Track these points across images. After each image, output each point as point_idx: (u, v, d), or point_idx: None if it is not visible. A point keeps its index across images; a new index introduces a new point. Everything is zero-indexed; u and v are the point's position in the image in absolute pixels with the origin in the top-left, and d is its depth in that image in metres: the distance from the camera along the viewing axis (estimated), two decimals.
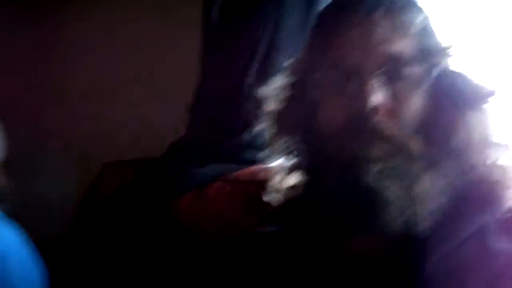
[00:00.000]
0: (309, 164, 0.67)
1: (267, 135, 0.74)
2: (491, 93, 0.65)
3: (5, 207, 1.05)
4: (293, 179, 0.69)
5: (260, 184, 0.79)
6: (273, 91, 0.73)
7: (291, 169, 0.70)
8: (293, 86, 0.71)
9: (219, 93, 1.30)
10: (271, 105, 0.72)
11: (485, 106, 0.66)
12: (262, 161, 1.20)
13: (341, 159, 0.62)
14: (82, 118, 1.85)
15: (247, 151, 1.21)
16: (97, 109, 1.79)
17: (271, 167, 0.77)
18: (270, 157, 0.75)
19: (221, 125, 1.27)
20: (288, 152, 0.71)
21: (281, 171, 0.71)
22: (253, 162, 1.21)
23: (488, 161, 0.65)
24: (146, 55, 1.77)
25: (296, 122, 0.69)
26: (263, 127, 0.75)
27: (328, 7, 0.71)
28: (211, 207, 1.10)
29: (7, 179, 1.09)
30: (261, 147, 1.21)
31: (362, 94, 0.61)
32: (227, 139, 1.24)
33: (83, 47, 1.88)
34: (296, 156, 0.70)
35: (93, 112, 1.81)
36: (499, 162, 0.65)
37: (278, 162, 0.74)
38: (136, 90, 1.77)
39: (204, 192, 1.14)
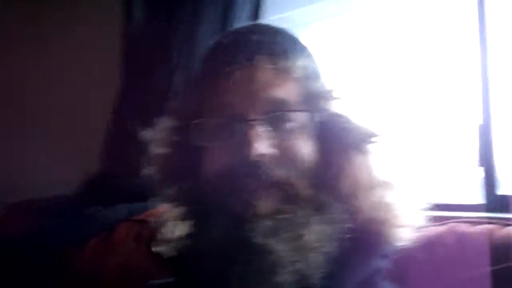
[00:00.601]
0: (196, 213, 0.65)
1: (156, 180, 0.71)
2: (374, 134, 0.66)
3: None
4: (182, 228, 0.66)
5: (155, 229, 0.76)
6: (158, 134, 0.70)
7: (180, 218, 0.67)
8: (177, 130, 0.68)
9: (123, 128, 1.26)
10: (156, 150, 0.70)
11: (369, 147, 0.66)
12: (159, 202, 1.17)
13: (228, 210, 0.60)
14: None
15: (148, 191, 1.18)
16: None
17: (165, 211, 0.74)
18: (161, 201, 0.72)
19: (128, 162, 1.23)
20: (175, 200, 0.68)
21: (169, 219, 0.68)
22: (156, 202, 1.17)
23: (375, 201, 0.65)
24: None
25: (182, 169, 0.66)
26: (149, 171, 0.71)
27: (212, 48, 0.69)
28: (117, 251, 1.04)
29: None
30: (153, 188, 1.18)
31: (246, 141, 0.60)
32: (132, 176, 1.20)
33: None
34: (184, 204, 0.67)
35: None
36: (386, 201, 0.65)
37: (169, 206, 0.71)
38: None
39: (112, 234, 1.08)
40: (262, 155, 0.60)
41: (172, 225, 0.67)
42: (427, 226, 0.68)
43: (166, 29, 1.35)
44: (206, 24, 1.33)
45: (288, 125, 0.62)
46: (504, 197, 1.03)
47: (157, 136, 0.70)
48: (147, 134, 0.70)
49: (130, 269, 0.99)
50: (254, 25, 0.67)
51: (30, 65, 1.76)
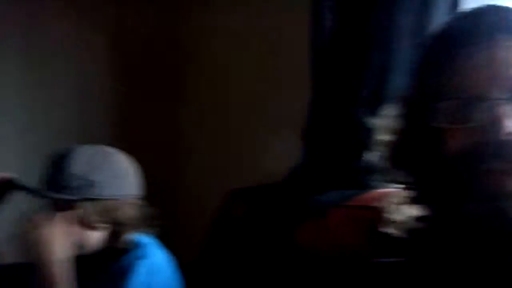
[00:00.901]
0: (433, 195, 0.66)
1: (381, 165, 0.74)
2: None
3: (153, 233, 1.17)
4: (413, 211, 0.68)
5: (379, 212, 0.80)
6: (386, 121, 0.73)
7: (409, 201, 0.69)
8: (407, 116, 0.70)
9: (332, 118, 1.32)
10: (385, 136, 0.73)
11: None
12: (382, 186, 1.19)
13: (477, 190, 0.60)
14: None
15: (366, 176, 1.22)
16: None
17: (390, 194, 0.77)
18: (387, 185, 0.76)
19: (337, 150, 1.29)
20: (405, 184, 0.70)
21: (398, 202, 0.71)
22: (374, 187, 1.20)
23: None
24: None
25: (413, 153, 0.69)
26: (377, 155, 0.75)
27: (444, 30, 0.69)
28: (334, 235, 1.11)
29: (150, 209, 1.20)
30: (378, 172, 1.21)
31: (494, 120, 0.60)
32: (344, 164, 1.26)
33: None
34: (414, 188, 0.69)
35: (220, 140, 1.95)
36: None
37: (396, 190, 0.74)
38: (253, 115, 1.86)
39: (326, 220, 1.16)
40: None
41: (401, 207, 0.70)
42: None
43: (360, 27, 1.36)
44: (404, 16, 1.31)
45: None
46: None
47: (384, 123, 0.73)
48: (374, 121, 0.74)
49: (348, 249, 1.05)
50: (487, 5, 0.66)
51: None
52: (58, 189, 1.08)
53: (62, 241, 1.04)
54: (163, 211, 1.16)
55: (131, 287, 1.04)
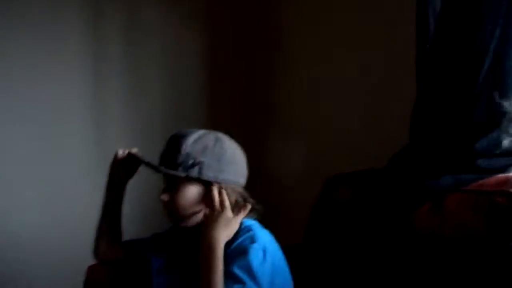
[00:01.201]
0: None
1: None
2: None
3: (256, 217, 1.18)
4: None
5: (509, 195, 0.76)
6: None
7: None
8: None
9: (445, 100, 1.27)
10: None
11: None
12: (502, 170, 1.14)
13: None
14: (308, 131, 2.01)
15: (483, 160, 1.17)
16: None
17: None
18: None
19: (450, 134, 1.24)
20: None
21: None
22: (491, 171, 1.15)
23: None
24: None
25: None
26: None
27: None
28: (453, 218, 1.08)
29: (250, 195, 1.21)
30: (499, 155, 1.15)
31: None
32: (459, 148, 1.21)
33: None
34: None
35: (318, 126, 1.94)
36: None
37: None
38: (356, 101, 1.84)
39: (443, 203, 1.12)
40: None
41: None
42: None
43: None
44: None
45: None
46: None
47: None
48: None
49: (468, 233, 1.02)
50: None
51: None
52: (170, 165, 1.12)
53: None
54: (258, 194, 1.17)
55: (254, 268, 1.04)
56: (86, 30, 1.91)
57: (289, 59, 2.12)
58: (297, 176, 2.00)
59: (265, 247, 1.09)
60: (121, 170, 1.23)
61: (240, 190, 1.16)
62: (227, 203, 1.10)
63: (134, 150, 1.23)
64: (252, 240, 1.09)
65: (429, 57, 1.36)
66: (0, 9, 1.73)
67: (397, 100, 1.59)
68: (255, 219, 1.17)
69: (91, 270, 1.26)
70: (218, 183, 1.12)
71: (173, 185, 1.13)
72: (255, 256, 1.06)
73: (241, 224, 1.13)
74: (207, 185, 1.12)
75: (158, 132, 1.82)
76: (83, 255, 1.28)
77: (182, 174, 1.10)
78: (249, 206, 1.11)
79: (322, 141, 1.94)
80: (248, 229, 1.13)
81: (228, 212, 1.09)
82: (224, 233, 1.07)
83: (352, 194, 1.33)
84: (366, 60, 1.79)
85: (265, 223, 1.20)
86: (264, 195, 1.21)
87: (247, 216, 1.14)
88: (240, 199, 1.15)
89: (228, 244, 1.08)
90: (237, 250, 1.08)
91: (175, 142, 1.14)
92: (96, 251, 1.25)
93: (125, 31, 2.00)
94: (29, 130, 1.79)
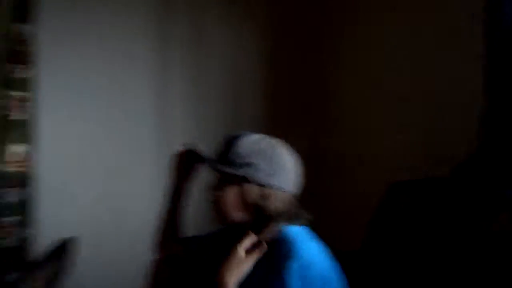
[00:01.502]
0: None
1: None
2: None
3: (307, 225, 1.16)
4: None
5: None
6: None
7: None
8: None
9: None
10: None
11: None
12: None
13: None
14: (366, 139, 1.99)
15: None
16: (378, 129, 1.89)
17: None
18: None
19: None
20: None
21: None
22: None
23: None
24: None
25: None
26: None
27: None
28: None
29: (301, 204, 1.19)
30: None
31: None
32: None
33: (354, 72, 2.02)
34: None
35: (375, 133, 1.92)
36: None
37: None
38: (413, 109, 1.80)
39: None
40: None
41: None
42: None
43: None
44: None
45: None
46: None
47: None
48: None
49: None
50: None
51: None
52: (224, 163, 1.13)
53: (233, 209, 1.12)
54: (316, 198, 1.15)
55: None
56: (153, 39, 1.99)
57: (352, 61, 2.10)
58: (358, 181, 1.97)
59: (303, 263, 1.06)
60: (183, 167, 1.26)
61: (289, 198, 1.14)
62: (244, 244, 1.08)
63: (192, 147, 1.26)
64: (289, 255, 1.06)
65: (501, 65, 1.30)
66: (82, 23, 1.84)
67: (458, 108, 1.55)
68: (304, 225, 1.14)
69: (153, 264, 1.30)
70: (267, 186, 1.11)
71: (223, 184, 1.13)
72: (289, 276, 1.04)
73: (282, 233, 1.11)
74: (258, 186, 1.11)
75: (217, 132, 1.86)
76: (144, 250, 1.32)
77: (234, 172, 1.10)
78: (264, 247, 1.08)
79: (385, 147, 1.91)
80: (288, 241, 1.10)
81: (241, 252, 1.08)
82: (233, 273, 1.07)
83: (415, 202, 1.30)
84: (430, 64, 1.75)
85: (323, 228, 1.19)
86: (323, 199, 1.20)
87: (296, 223, 1.12)
88: (287, 208, 1.13)
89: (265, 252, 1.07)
90: (272, 265, 1.07)
91: (230, 142, 1.15)
92: (159, 246, 1.29)
93: (189, 37, 2.07)
94: (99, 130, 1.89)
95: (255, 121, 2.13)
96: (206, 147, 1.28)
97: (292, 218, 1.13)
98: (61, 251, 1.41)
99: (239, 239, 1.09)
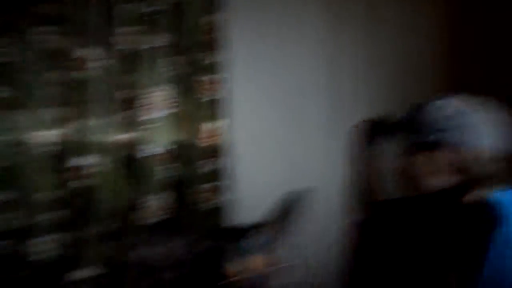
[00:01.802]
0: None
1: None
2: None
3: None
4: None
5: None
6: None
7: None
8: None
9: None
10: None
11: None
12: None
13: None
14: None
15: None
16: None
17: None
18: None
19: None
20: None
21: None
22: None
23: None
24: None
25: None
26: None
27: None
28: None
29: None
30: None
31: None
32: None
33: None
34: None
35: None
36: None
37: None
38: None
39: None
40: None
41: None
42: None
43: None
44: None
45: None
46: None
47: None
48: None
49: None
50: None
51: None
52: (414, 132, 1.13)
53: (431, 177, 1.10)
54: None
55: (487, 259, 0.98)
56: (325, 27, 2.11)
57: None
58: None
59: (508, 234, 0.99)
60: (369, 136, 1.30)
61: (491, 159, 1.07)
62: None
63: (378, 118, 1.29)
64: (496, 222, 1.00)
65: None
66: (262, 10, 2.02)
67: None
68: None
69: (349, 227, 1.37)
70: (462, 149, 1.06)
71: (415, 152, 1.12)
72: (495, 244, 0.99)
73: (487, 198, 1.04)
74: (448, 151, 1.07)
75: (391, 105, 1.90)
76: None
77: (425, 140, 1.08)
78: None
79: None
80: (493, 206, 1.04)
81: None
82: None
83: None
84: None
85: None
86: None
87: (503, 187, 1.05)
88: (490, 170, 1.06)
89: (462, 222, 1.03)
90: (476, 233, 1.02)
91: (417, 110, 1.13)
92: (353, 209, 1.35)
93: (362, 15, 2.15)
94: (278, 114, 2.09)
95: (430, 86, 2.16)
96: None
97: (496, 181, 1.08)
98: (291, 204, 1.57)
99: (435, 207, 1.10)
